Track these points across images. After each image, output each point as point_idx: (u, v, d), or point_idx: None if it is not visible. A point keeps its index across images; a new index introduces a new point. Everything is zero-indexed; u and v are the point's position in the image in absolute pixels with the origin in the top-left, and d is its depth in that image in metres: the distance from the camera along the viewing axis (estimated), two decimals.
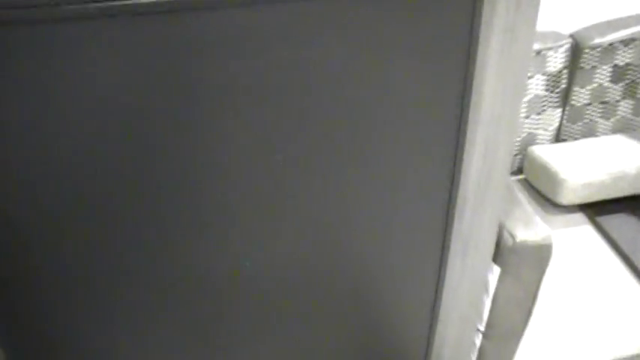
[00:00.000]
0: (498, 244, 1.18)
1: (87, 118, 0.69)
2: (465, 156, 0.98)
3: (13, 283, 0.77)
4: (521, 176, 2.24)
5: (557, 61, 2.07)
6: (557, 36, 2.08)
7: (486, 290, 1.24)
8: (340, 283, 1.01)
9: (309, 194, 0.87)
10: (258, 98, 0.75)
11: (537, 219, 1.22)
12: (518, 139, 2.16)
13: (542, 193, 2.10)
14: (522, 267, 1.21)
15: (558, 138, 2.25)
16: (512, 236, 1.17)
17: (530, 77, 2.04)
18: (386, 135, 0.87)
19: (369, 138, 0.86)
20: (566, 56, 2.08)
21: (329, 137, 0.83)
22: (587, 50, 2.07)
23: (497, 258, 1.20)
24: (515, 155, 2.20)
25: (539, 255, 1.20)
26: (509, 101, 0.96)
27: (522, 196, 1.32)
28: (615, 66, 2.13)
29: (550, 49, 2.04)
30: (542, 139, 2.21)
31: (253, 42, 0.71)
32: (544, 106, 2.14)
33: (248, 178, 0.81)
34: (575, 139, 2.24)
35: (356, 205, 0.92)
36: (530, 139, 2.19)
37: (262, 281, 0.93)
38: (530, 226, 1.20)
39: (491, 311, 1.27)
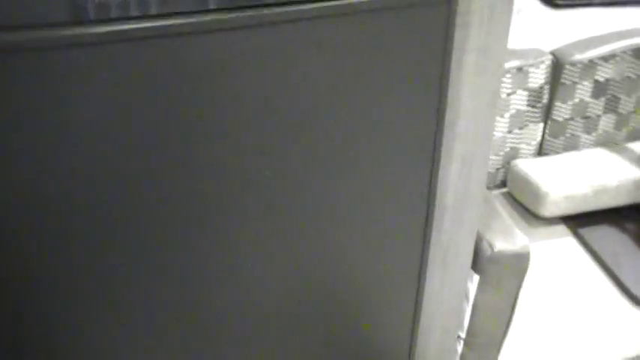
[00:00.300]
0: (478, 254, 1.22)
1: (97, 131, 0.73)
2: (443, 170, 1.03)
3: (11, 290, 0.80)
4: (504, 190, 2.28)
5: (538, 77, 2.12)
6: (538, 53, 2.13)
7: (467, 298, 1.28)
8: (320, 292, 1.04)
9: (292, 204, 0.91)
10: (244, 117, 0.79)
11: (516, 230, 1.27)
12: (501, 153, 2.21)
13: (525, 206, 2.14)
14: (501, 276, 1.25)
15: (541, 152, 2.29)
16: (491, 246, 1.21)
17: (512, 93, 2.10)
18: (365, 150, 0.91)
19: (348, 153, 0.90)
20: (547, 72, 2.13)
21: (310, 150, 0.87)
22: (567, 66, 2.13)
23: (476, 267, 1.24)
24: (498, 169, 2.25)
25: (517, 264, 1.24)
26: (483, 117, 1.01)
27: (501, 209, 1.36)
28: (596, 81, 2.18)
29: (531, 65, 2.10)
30: (525, 154, 2.26)
31: (242, 64, 0.75)
32: (526, 121, 2.19)
33: (238, 189, 0.85)
34: (558, 153, 2.29)
35: (336, 217, 0.96)
36: (513, 154, 2.24)
37: (249, 288, 0.97)
38: (508, 237, 1.24)
39: (471, 319, 1.31)
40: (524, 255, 1.23)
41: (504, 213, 1.34)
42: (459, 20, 0.89)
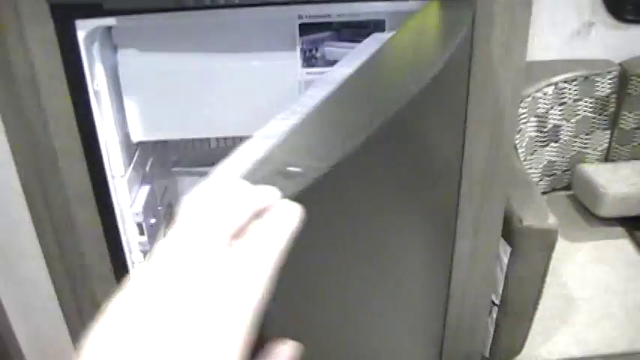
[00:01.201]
0: (510, 228, 1.40)
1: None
2: (472, 146, 1.21)
3: None
4: (570, 192, 2.40)
5: (605, 86, 2.25)
6: (605, 63, 2.26)
7: (501, 267, 1.46)
8: None
9: None
10: None
11: (547, 210, 1.44)
12: (567, 156, 2.34)
13: (586, 206, 2.26)
14: (529, 249, 1.42)
15: (608, 158, 2.41)
16: (521, 221, 1.39)
17: (578, 100, 2.23)
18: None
19: None
20: (615, 82, 2.26)
21: None
22: (634, 77, 2.24)
23: (509, 240, 1.42)
24: (564, 171, 2.38)
25: (544, 239, 1.41)
26: (509, 102, 1.20)
27: (541, 195, 1.53)
28: None
29: (598, 74, 2.23)
30: (591, 159, 2.38)
31: None
32: (592, 127, 2.31)
33: None
34: (624, 160, 2.39)
35: None
36: (579, 158, 2.37)
37: None
38: (539, 215, 1.41)
39: (504, 288, 1.48)
40: (551, 232, 1.40)
41: (541, 197, 1.51)
42: (481, 18, 1.08)
